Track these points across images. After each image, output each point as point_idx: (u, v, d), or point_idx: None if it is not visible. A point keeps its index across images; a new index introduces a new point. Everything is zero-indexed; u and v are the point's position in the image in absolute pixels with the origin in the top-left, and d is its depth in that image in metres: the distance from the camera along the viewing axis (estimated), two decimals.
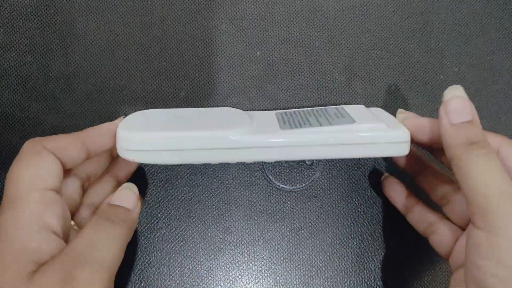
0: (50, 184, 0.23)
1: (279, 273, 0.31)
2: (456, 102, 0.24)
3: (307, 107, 0.33)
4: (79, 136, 0.25)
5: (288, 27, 0.34)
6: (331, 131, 0.25)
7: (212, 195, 0.31)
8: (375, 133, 0.25)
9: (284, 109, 0.32)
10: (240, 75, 0.33)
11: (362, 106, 0.30)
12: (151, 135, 0.25)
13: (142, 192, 0.31)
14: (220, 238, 0.31)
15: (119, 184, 0.29)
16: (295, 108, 0.32)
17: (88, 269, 0.21)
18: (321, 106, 0.32)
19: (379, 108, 0.31)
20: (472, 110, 0.23)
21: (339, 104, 0.32)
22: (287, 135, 0.25)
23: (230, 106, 0.32)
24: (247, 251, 0.31)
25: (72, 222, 0.26)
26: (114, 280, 0.23)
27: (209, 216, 0.31)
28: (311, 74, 0.33)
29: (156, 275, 0.30)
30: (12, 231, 0.22)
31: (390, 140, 0.25)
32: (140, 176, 0.31)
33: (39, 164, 0.23)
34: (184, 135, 0.25)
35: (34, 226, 0.22)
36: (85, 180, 0.28)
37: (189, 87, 0.32)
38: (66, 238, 0.24)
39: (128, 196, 0.25)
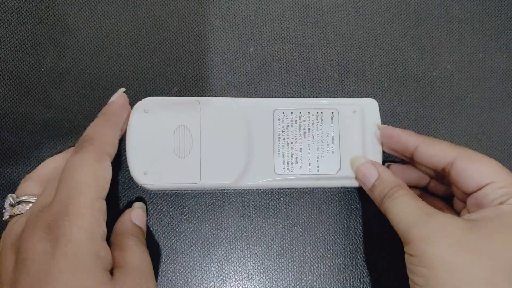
0: (104, 193, 0.25)
1: (272, 270, 0.31)
2: (363, 169, 0.29)
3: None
4: (116, 123, 0.28)
5: (282, 24, 0.34)
6: (317, 178, 0.30)
7: (205, 192, 0.31)
8: (352, 181, 0.31)
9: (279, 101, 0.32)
10: (233, 71, 0.33)
11: (357, 115, 0.31)
12: (156, 184, 0.29)
13: (136, 188, 0.31)
14: (213, 235, 0.31)
15: None
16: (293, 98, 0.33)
17: (153, 282, 0.25)
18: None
19: (373, 108, 0.32)
20: (376, 168, 0.28)
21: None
22: (279, 181, 0.30)
23: None
24: (240, 247, 0.31)
25: None
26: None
27: (202, 213, 0.31)
28: (304, 70, 0.33)
29: None
30: (83, 239, 0.22)
31: None
32: None
33: (99, 171, 0.25)
34: (188, 186, 0.30)
35: (99, 236, 0.23)
36: None
37: (182, 83, 0.32)
38: None
39: (143, 217, 0.29)
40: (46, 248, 0.22)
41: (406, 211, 0.25)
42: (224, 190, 0.31)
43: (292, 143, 0.31)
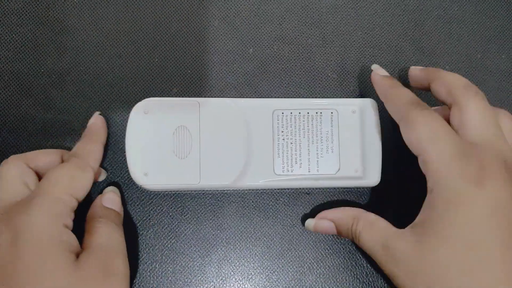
0: (78, 195, 0.26)
1: (272, 270, 0.31)
2: (319, 228, 0.30)
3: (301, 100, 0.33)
4: (100, 140, 0.30)
5: (281, 25, 0.34)
6: (316, 178, 0.31)
7: (205, 192, 0.31)
8: (351, 182, 0.31)
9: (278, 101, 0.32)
10: (232, 72, 0.33)
11: (357, 115, 0.31)
12: (156, 185, 0.30)
13: (134, 189, 0.31)
14: (213, 235, 0.31)
15: None
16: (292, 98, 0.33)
17: (119, 261, 0.25)
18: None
19: (373, 108, 0.32)
20: (326, 221, 0.29)
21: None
22: (279, 181, 0.30)
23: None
24: (240, 247, 0.31)
25: None
26: None
27: (202, 213, 0.31)
28: (303, 71, 0.33)
29: (149, 271, 0.30)
30: (45, 223, 0.23)
31: (363, 186, 0.32)
32: None
33: (79, 177, 0.26)
34: (188, 187, 0.30)
35: (62, 223, 0.24)
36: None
37: (182, 84, 0.32)
38: None
39: (115, 200, 0.29)
40: (7, 237, 0.23)
41: (370, 245, 0.27)
42: (223, 190, 0.31)
43: (291, 143, 0.31)
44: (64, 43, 0.32)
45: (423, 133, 0.25)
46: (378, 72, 0.31)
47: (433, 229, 0.24)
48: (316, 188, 0.32)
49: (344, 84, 0.33)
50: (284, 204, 0.32)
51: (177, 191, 0.31)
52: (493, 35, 0.35)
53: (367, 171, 0.31)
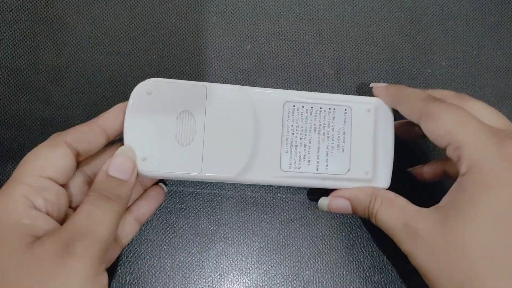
0: (48, 173, 0.24)
1: (269, 265, 0.31)
2: (334, 206, 0.29)
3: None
4: (95, 122, 0.27)
5: (278, 21, 0.34)
6: (324, 177, 0.29)
7: (203, 188, 0.32)
8: (360, 184, 0.29)
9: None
10: (230, 68, 0.33)
11: (371, 114, 0.30)
12: (155, 172, 0.27)
13: None
14: (211, 230, 0.31)
15: None
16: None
17: (86, 242, 0.22)
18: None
19: (387, 108, 0.30)
20: (342, 198, 0.29)
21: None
22: (285, 178, 0.29)
23: None
24: (238, 243, 0.31)
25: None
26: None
27: (200, 208, 0.31)
28: (301, 67, 0.34)
29: (147, 266, 0.30)
30: (4, 209, 0.23)
31: (371, 185, 0.29)
32: None
33: (46, 154, 0.25)
34: (188, 176, 0.28)
35: (26, 206, 0.23)
36: (92, 176, 0.28)
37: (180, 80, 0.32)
38: (60, 223, 0.25)
39: (124, 164, 0.26)
40: None
41: (389, 223, 0.26)
42: (223, 184, 0.31)
43: (301, 138, 0.29)
44: (62, 40, 0.32)
45: (451, 120, 0.25)
46: (379, 85, 0.30)
47: (462, 209, 0.23)
48: (323, 189, 0.30)
49: (341, 80, 0.34)
50: (282, 200, 0.32)
51: (177, 179, 0.30)
52: (488, 32, 0.35)
53: (378, 174, 0.29)
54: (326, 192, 0.30)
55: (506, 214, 0.23)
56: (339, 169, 0.29)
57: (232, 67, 0.33)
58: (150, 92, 0.27)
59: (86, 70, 0.32)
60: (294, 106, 0.29)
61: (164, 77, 0.32)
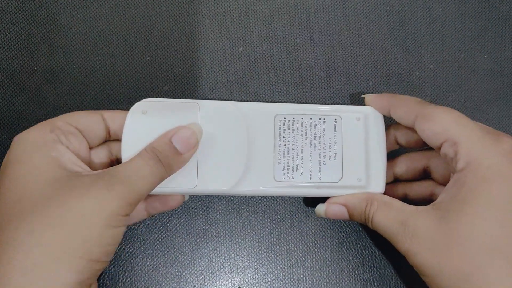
0: (78, 124, 0.27)
1: (261, 263, 0.32)
2: (331, 212, 0.29)
3: (293, 101, 0.34)
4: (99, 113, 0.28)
5: (270, 24, 0.35)
6: (318, 186, 0.30)
7: None
8: (354, 191, 0.29)
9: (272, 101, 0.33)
10: (222, 70, 0.34)
11: (361, 122, 0.30)
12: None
13: None
14: (203, 229, 0.32)
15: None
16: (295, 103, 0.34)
17: (125, 188, 0.23)
18: (303, 102, 0.33)
19: (377, 116, 0.31)
20: (338, 204, 0.29)
21: (323, 101, 0.34)
22: (279, 188, 0.29)
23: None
24: (229, 241, 0.32)
25: None
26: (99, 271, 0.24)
27: (192, 208, 0.32)
28: (292, 70, 0.34)
29: (140, 265, 0.31)
30: (35, 141, 0.25)
31: (365, 191, 0.30)
32: None
33: (82, 114, 0.27)
34: (184, 191, 0.28)
35: (53, 141, 0.25)
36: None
37: (173, 82, 0.33)
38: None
39: (189, 138, 0.27)
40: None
41: (386, 224, 0.26)
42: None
43: (293, 149, 0.30)
44: (57, 42, 0.33)
45: (447, 119, 0.25)
46: (371, 95, 0.30)
47: (462, 203, 0.24)
48: (317, 197, 0.30)
49: (331, 82, 0.34)
50: (273, 199, 0.32)
51: (173, 194, 0.30)
52: (475, 35, 0.36)
53: (371, 180, 0.30)
54: (321, 199, 0.30)
55: (506, 206, 0.23)
56: (332, 177, 0.30)
57: (224, 69, 0.34)
58: (145, 112, 0.28)
59: (80, 72, 0.33)
60: (285, 118, 0.30)
61: (157, 80, 0.33)
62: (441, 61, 0.35)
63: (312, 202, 0.32)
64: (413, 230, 0.25)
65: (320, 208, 0.30)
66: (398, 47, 0.35)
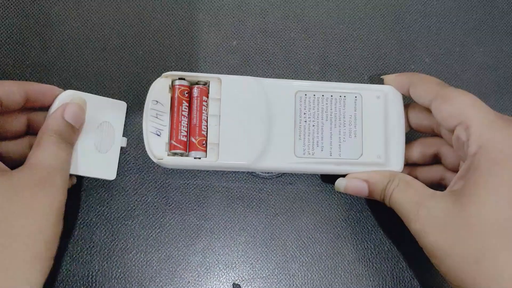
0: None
1: (256, 258, 0.32)
2: (351, 187, 0.30)
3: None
4: (23, 84, 0.27)
5: (264, 18, 0.34)
6: (338, 163, 0.30)
7: (189, 182, 0.32)
8: (374, 168, 0.30)
9: None
10: (216, 64, 0.33)
11: (381, 100, 0.30)
12: (178, 161, 0.29)
13: (119, 180, 0.31)
14: (197, 225, 0.31)
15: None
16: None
17: (61, 177, 0.26)
18: None
19: (397, 95, 0.31)
20: (360, 179, 0.29)
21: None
22: (299, 164, 0.29)
23: None
24: (224, 237, 0.32)
25: None
26: (93, 267, 0.27)
27: (186, 203, 0.32)
28: (286, 63, 0.34)
29: (134, 261, 0.31)
30: None
31: (384, 169, 0.30)
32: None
33: None
34: (206, 165, 0.29)
35: None
36: None
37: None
38: None
39: (78, 112, 0.28)
40: None
41: (402, 202, 0.27)
42: (210, 175, 0.32)
43: (313, 125, 0.30)
44: (49, 36, 0.32)
45: (463, 102, 0.26)
46: (390, 75, 0.31)
47: (476, 186, 0.24)
48: (337, 175, 0.30)
49: (326, 76, 0.34)
50: (267, 194, 0.32)
51: (195, 169, 0.31)
52: (471, 29, 0.36)
53: (390, 158, 0.30)
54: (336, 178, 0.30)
55: None
56: (352, 154, 0.30)
57: (218, 63, 0.33)
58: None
59: (73, 66, 0.32)
60: (306, 95, 0.30)
61: (150, 74, 0.33)
62: (436, 55, 0.35)
63: (309, 195, 0.32)
64: (427, 211, 0.25)
65: (341, 183, 0.30)
66: (393, 40, 0.35)
